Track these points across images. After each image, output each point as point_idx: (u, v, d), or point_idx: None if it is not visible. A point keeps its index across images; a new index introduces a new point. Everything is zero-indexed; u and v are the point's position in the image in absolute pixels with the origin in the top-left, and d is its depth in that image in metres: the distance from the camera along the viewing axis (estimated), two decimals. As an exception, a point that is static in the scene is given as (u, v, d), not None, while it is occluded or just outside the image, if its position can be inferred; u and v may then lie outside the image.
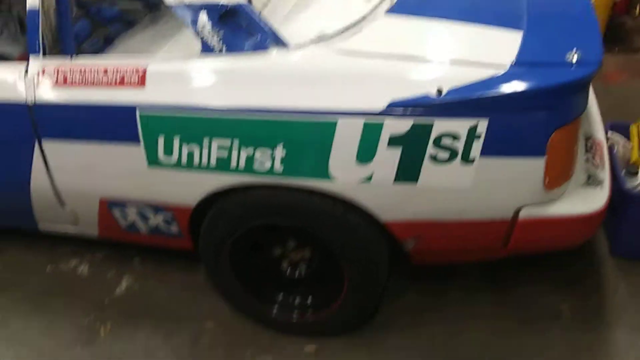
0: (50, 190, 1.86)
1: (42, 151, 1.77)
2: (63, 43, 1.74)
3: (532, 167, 1.50)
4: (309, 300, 1.93)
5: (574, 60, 1.45)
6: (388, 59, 1.52)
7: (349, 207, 1.62)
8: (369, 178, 1.54)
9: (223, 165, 1.61)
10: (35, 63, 1.72)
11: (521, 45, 1.53)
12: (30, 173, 1.84)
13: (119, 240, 2.07)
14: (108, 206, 1.86)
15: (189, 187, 1.70)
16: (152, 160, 1.66)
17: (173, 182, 1.69)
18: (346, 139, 1.51)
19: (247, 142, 1.57)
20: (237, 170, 1.61)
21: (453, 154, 1.48)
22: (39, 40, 1.70)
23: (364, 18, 1.67)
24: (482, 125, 1.45)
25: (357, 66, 1.53)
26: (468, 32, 1.62)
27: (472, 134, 1.45)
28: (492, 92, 1.43)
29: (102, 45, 1.99)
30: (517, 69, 1.46)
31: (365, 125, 1.49)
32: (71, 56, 1.72)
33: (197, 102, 1.58)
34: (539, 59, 1.49)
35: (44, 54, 1.71)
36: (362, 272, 1.75)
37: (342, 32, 1.61)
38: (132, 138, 1.65)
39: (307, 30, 1.64)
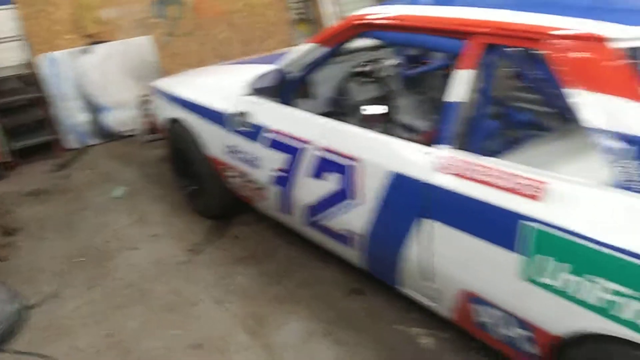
0: (421, 262, 1.96)
1: (428, 227, 1.88)
2: (470, 137, 1.81)
3: None
4: None
5: None
6: None
7: None
8: None
9: (608, 310, 1.41)
10: (442, 150, 1.83)
11: None
12: (408, 240, 1.97)
13: (469, 332, 2.04)
14: (470, 299, 1.84)
15: (562, 317, 1.55)
16: (530, 276, 1.58)
17: (547, 305, 1.57)
18: None
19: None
20: (629, 324, 1.39)
21: None
22: (450, 131, 1.80)
23: None
24: None
25: None
26: None
27: None
28: None
29: (504, 146, 2.00)
30: None
31: None
32: (476, 152, 1.78)
33: (601, 237, 1.43)
34: None
35: (451, 144, 1.82)
36: None
37: None
38: (513, 247, 1.60)
39: None
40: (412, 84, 3.03)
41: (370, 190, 2.08)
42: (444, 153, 1.84)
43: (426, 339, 2.34)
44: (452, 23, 1.94)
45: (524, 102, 2.21)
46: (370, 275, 2.47)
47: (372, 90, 2.99)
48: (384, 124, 2.80)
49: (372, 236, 2.15)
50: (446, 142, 1.85)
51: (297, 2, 5.65)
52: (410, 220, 1.94)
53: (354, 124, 2.33)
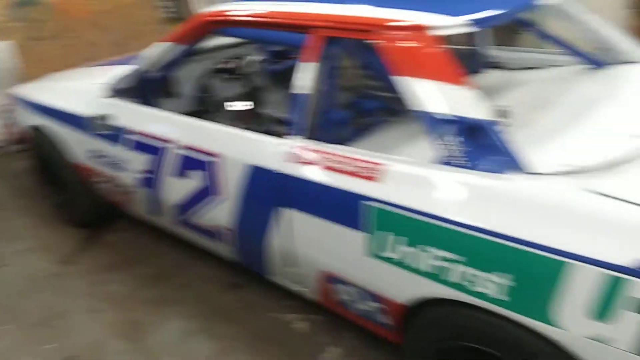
0: (283, 249, 2.03)
1: (285, 215, 1.95)
2: (320, 127, 1.90)
3: None
4: None
5: None
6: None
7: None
8: (601, 339, 1.31)
9: (444, 276, 1.55)
10: (293, 140, 1.91)
11: None
12: (270, 229, 2.04)
13: (334, 311, 2.15)
14: (329, 279, 1.94)
15: (406, 287, 1.67)
16: (374, 252, 1.69)
17: (392, 277, 1.69)
18: (580, 288, 1.32)
19: (472, 261, 1.49)
20: (457, 285, 1.53)
21: None
22: (299, 122, 1.89)
23: (630, 158, 1.46)
24: None
25: (607, 211, 1.33)
26: None
27: None
28: None
29: (356, 134, 2.12)
30: None
31: (605, 278, 1.28)
32: (326, 141, 1.88)
33: (429, 209, 1.56)
34: None
35: (302, 134, 1.90)
36: None
37: (598, 168, 1.43)
38: (358, 226, 1.71)
39: (559, 158, 1.51)
40: (279, 78, 3.10)
41: (232, 185, 2.12)
42: (295, 143, 1.91)
43: (300, 324, 2.42)
44: (295, 18, 2.02)
45: (373, 91, 2.33)
46: (248, 269, 2.52)
47: (236, 87, 3.02)
48: (252, 119, 2.85)
49: (238, 229, 2.20)
50: (296, 132, 1.93)
51: (167, 1, 5.55)
52: (270, 210, 2.00)
53: (220, 121, 2.35)
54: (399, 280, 1.67)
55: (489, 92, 2.37)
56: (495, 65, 2.75)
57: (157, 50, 2.51)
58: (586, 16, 2.30)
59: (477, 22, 1.74)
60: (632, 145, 1.54)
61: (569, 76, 2.31)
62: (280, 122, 2.88)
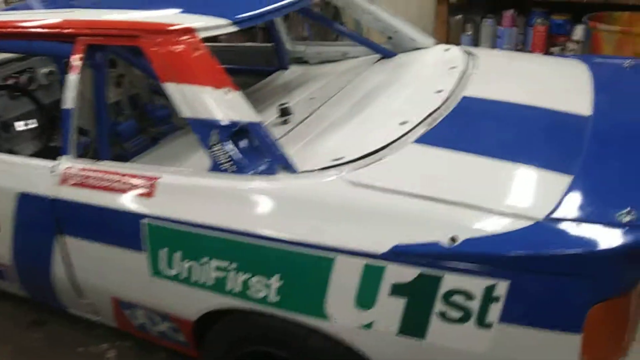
0: (68, 281, 1.86)
1: (63, 244, 1.78)
2: (96, 143, 1.77)
3: (566, 344, 1.22)
4: None
5: (626, 221, 1.17)
6: (400, 196, 1.34)
7: (350, 352, 1.42)
8: (369, 325, 1.34)
9: (220, 286, 1.50)
10: (64, 161, 1.75)
11: (565, 194, 1.28)
12: (50, 261, 1.85)
13: (134, 335, 2.02)
14: (120, 305, 1.81)
15: (189, 302, 1.60)
16: (155, 271, 1.60)
17: (175, 294, 1.61)
18: (344, 280, 1.34)
19: (244, 267, 1.45)
20: (233, 293, 1.49)
21: (466, 314, 1.25)
22: (70, 140, 1.73)
23: (389, 145, 1.51)
24: (502, 287, 1.21)
25: (364, 200, 1.37)
26: (503, 173, 1.40)
27: (488, 295, 1.22)
28: (516, 250, 1.19)
29: (148, 144, 2.01)
30: (552, 224, 1.21)
31: (366, 267, 1.31)
32: (96, 160, 1.74)
33: (198, 219, 1.50)
34: (582, 214, 1.23)
35: (71, 154, 1.75)
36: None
37: (359, 159, 1.47)
38: (139, 246, 1.60)
39: (326, 155, 1.52)
40: None
41: (3, 217, 1.90)
42: (66, 164, 1.75)
43: (111, 352, 2.26)
44: (56, 27, 1.84)
45: (159, 98, 2.24)
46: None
47: (22, 105, 2.73)
48: (44, 138, 2.60)
49: (18, 264, 1.98)
50: (68, 152, 1.76)
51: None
52: (47, 239, 1.81)
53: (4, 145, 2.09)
54: (184, 297, 1.59)
55: (286, 89, 2.39)
56: (301, 61, 2.76)
57: None
58: (372, 6, 2.38)
59: (242, 21, 1.71)
60: (397, 133, 1.59)
61: (359, 68, 2.38)
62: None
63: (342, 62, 2.59)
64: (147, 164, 1.83)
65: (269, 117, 1.92)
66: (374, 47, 2.47)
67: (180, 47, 1.60)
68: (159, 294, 1.65)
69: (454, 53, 2.20)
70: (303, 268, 1.38)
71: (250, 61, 2.86)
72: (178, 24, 1.63)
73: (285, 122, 1.89)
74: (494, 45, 4.07)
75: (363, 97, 1.98)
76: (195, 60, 1.59)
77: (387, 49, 2.44)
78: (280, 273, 1.41)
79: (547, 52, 3.90)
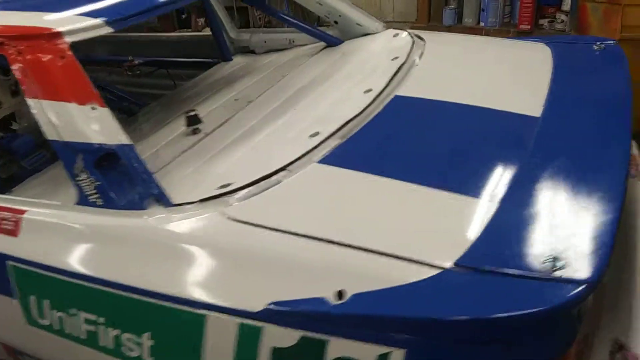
0: None
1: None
2: None
3: None
4: None
5: (553, 272, 0.90)
6: (284, 237, 1.08)
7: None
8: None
9: (93, 342, 1.26)
10: None
11: (484, 230, 1.01)
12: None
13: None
14: (12, 352, 1.60)
15: (69, 356, 1.38)
16: (30, 320, 1.37)
17: (53, 346, 1.38)
18: (219, 342, 1.09)
19: (112, 322, 1.22)
20: (106, 350, 1.25)
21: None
22: None
23: (289, 166, 1.26)
24: (397, 357, 0.95)
25: (240, 244, 1.12)
26: (414, 201, 1.14)
27: (382, 366, 0.96)
28: (415, 310, 0.94)
29: (48, 160, 1.76)
30: (462, 275, 0.95)
31: (241, 327, 1.06)
32: None
33: (61, 265, 1.26)
34: (501, 260, 0.96)
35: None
36: None
37: (249, 186, 1.21)
38: (8, 291, 1.37)
39: (215, 180, 1.27)
40: None
41: None
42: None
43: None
44: None
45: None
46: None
47: None
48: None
49: None
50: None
51: None
52: None
53: None
54: (61, 349, 1.36)
55: (216, 86, 2.13)
56: (247, 50, 2.49)
57: None
58: None
59: (117, 21, 1.44)
60: (305, 149, 1.33)
61: (300, 59, 2.11)
62: None
63: (287, 51, 2.31)
64: (36, 186, 1.60)
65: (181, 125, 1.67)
66: (317, 35, 2.19)
67: (45, 57, 1.34)
68: (39, 344, 1.42)
69: (401, 41, 1.91)
70: (173, 326, 1.14)
71: (191, 53, 2.59)
72: (46, 28, 1.37)
73: (195, 132, 1.64)
74: (478, 20, 3.73)
75: (288, 99, 1.71)
76: (59, 71, 1.33)
77: (332, 36, 2.16)
78: (150, 331, 1.17)
79: (535, 25, 3.56)
